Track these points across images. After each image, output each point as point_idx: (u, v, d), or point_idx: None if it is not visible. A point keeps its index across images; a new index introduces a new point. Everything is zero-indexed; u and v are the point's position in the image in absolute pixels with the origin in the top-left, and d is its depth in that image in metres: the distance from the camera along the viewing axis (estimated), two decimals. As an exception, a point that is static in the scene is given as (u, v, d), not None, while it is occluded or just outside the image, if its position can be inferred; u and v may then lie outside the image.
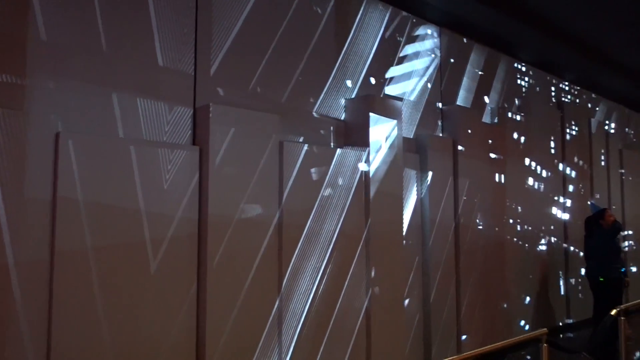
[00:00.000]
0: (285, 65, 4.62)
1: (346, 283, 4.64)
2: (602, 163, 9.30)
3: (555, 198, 8.06)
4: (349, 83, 5.15)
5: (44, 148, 3.13)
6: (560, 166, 8.27)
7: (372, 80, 5.41)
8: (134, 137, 3.62)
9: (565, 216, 8.26)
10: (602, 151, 9.35)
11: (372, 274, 4.80)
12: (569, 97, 9.02)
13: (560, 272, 8.10)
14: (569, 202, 8.34)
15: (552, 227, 7.92)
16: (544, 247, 7.71)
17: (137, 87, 3.67)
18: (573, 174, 8.50)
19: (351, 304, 4.66)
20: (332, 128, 4.96)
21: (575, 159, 8.61)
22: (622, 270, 6.89)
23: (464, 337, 5.91)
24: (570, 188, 8.41)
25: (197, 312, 3.74)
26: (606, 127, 9.90)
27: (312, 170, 4.47)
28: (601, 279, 6.69)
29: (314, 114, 4.81)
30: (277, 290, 4.13)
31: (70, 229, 3.17)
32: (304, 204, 4.39)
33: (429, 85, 6.14)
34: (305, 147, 4.44)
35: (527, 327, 7.13)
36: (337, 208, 4.63)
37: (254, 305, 3.95)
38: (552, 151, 8.12)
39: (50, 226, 3.12)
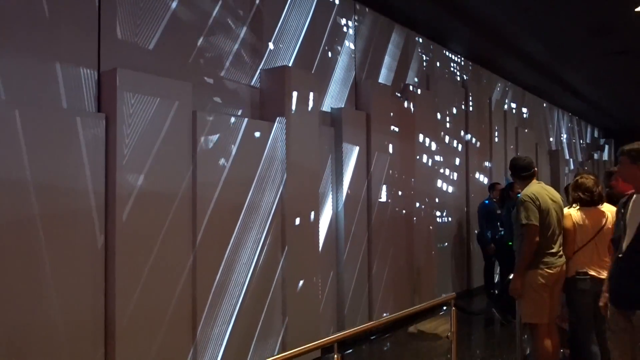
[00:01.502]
0: (199, 28, 4.42)
1: (256, 256, 4.61)
2: (497, 139, 9.92)
3: (459, 172, 8.51)
4: (264, 52, 5.05)
5: None
6: (463, 141, 8.73)
7: (285, 51, 5.33)
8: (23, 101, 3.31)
9: (468, 189, 8.77)
10: (496, 128, 9.95)
11: (286, 249, 4.82)
12: (471, 75, 9.49)
13: (463, 242, 8.62)
14: (471, 175, 8.84)
15: (455, 200, 8.38)
16: (448, 219, 8.15)
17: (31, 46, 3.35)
18: (475, 149, 9.01)
19: (266, 273, 4.66)
20: (246, 99, 4.85)
21: (477, 135, 9.12)
22: None
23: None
24: (473, 162, 8.91)
25: (105, 298, 3.55)
26: (505, 107, 10.58)
27: (224, 141, 4.35)
28: (509, 243, 7.22)
29: (228, 82, 4.66)
30: (185, 263, 4.01)
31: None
32: (216, 176, 4.28)
33: (344, 60, 6.17)
34: (215, 117, 4.30)
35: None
36: (248, 180, 4.56)
37: (162, 280, 3.81)
38: (456, 127, 8.53)
39: None
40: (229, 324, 4.34)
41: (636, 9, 7.09)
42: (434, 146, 7.66)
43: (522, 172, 4.23)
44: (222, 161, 4.32)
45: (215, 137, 4.26)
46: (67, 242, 3.36)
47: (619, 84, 11.78)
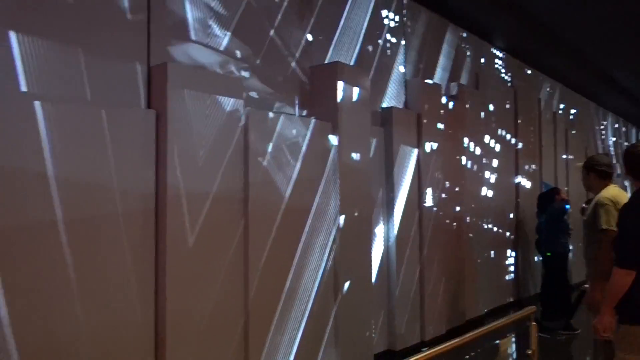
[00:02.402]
0: (255, 23, 4.21)
1: (310, 259, 4.35)
2: (545, 142, 9.46)
3: (508, 175, 8.11)
4: (318, 49, 4.81)
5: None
6: (513, 143, 8.31)
7: (340, 49, 5.08)
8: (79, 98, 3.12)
9: (517, 192, 8.35)
10: (545, 130, 9.49)
11: (341, 252, 4.55)
12: (520, 76, 9.07)
13: (511, 249, 8.19)
14: (521, 180, 8.42)
15: (504, 205, 7.97)
16: (497, 224, 7.74)
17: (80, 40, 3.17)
18: (524, 151, 8.58)
19: (302, 280, 4.39)
20: (296, 96, 4.61)
21: (527, 138, 8.69)
22: (569, 246, 7.09)
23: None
24: (522, 165, 8.49)
25: (155, 300, 3.33)
26: (554, 108, 10.11)
27: (277, 139, 4.11)
28: (548, 254, 6.84)
29: (276, 78, 4.43)
30: (243, 267, 3.77)
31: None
32: (268, 176, 4.04)
33: (392, 58, 5.89)
34: (267, 114, 4.07)
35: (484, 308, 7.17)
36: (305, 181, 4.31)
37: (214, 285, 3.58)
38: (506, 129, 8.14)
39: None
40: (299, 330, 4.11)
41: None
42: (482, 148, 7.29)
43: (606, 170, 3.87)
44: (274, 161, 4.07)
45: (267, 136, 4.03)
46: (117, 244, 3.15)
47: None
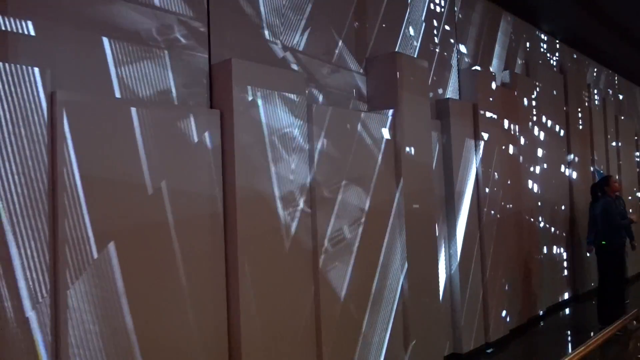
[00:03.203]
0: (313, 15, 4.03)
1: (381, 257, 4.15)
2: (598, 128, 9.07)
3: (561, 165, 7.77)
4: (369, 39, 4.59)
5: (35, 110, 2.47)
6: (563, 132, 7.96)
7: (388, 38, 4.86)
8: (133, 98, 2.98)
9: (571, 184, 8.00)
10: (595, 116, 9.10)
11: (406, 247, 4.34)
12: (569, 62, 8.70)
13: (566, 243, 7.84)
14: (573, 169, 8.06)
15: (558, 195, 7.63)
16: (552, 217, 7.41)
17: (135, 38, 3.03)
18: (575, 140, 8.22)
19: (386, 282, 4.19)
20: (354, 89, 4.41)
21: (577, 126, 8.32)
22: (626, 236, 6.66)
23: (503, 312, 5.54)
24: (574, 155, 8.13)
25: (227, 305, 3.17)
26: (602, 94, 9.70)
27: (341, 136, 3.92)
28: (603, 242, 6.47)
29: (334, 71, 4.23)
30: (312, 267, 3.59)
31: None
32: (335, 173, 3.85)
33: (446, 47, 5.64)
34: (331, 110, 3.88)
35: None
36: (367, 177, 4.11)
37: (286, 290, 3.41)
38: (557, 117, 7.79)
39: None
40: (387, 330, 3.95)
41: None
42: (536, 139, 6.98)
43: None
44: (340, 158, 3.88)
45: (332, 132, 3.84)
46: (189, 248, 3.00)
47: None
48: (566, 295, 7.61)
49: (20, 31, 2.50)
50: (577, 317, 7.25)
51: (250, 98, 3.28)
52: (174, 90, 3.14)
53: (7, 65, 2.35)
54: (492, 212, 5.71)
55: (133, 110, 2.79)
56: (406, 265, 4.33)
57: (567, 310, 7.32)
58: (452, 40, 5.77)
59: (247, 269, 3.18)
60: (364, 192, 4.05)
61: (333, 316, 3.70)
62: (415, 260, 4.41)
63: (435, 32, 5.48)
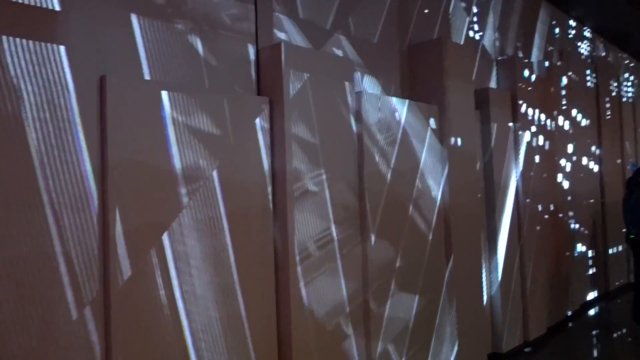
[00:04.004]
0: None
1: (427, 252, 3.97)
2: (628, 120, 8.83)
3: (591, 158, 7.54)
4: (409, 25, 4.39)
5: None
6: (594, 125, 7.72)
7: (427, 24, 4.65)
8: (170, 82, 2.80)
9: (602, 177, 7.78)
10: (625, 108, 8.86)
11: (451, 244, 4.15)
12: (601, 51, 8.46)
13: (598, 240, 7.63)
14: (604, 162, 7.84)
15: (589, 189, 7.41)
16: (585, 212, 7.20)
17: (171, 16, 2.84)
18: (606, 132, 7.98)
19: (431, 276, 4.01)
20: (395, 76, 4.21)
21: (608, 118, 8.09)
22: None
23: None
24: (605, 147, 7.90)
25: (276, 296, 3.01)
26: (631, 86, 9.45)
27: (389, 125, 3.73)
28: (631, 236, 6.24)
29: (375, 57, 4.03)
30: (362, 260, 3.43)
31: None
32: (382, 166, 3.67)
33: (484, 34, 5.43)
34: (379, 98, 3.69)
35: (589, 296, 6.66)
36: (414, 170, 3.92)
37: (342, 277, 3.24)
38: (589, 109, 7.56)
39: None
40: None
41: None
42: (571, 130, 6.76)
43: None
44: (387, 148, 3.70)
45: (380, 122, 3.65)
46: (242, 240, 2.83)
47: None
48: (597, 293, 7.41)
49: (44, 5, 2.28)
50: (609, 314, 7.05)
51: (300, 84, 3.09)
52: (218, 76, 2.95)
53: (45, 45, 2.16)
54: (532, 207, 5.52)
55: (164, 94, 2.61)
56: (451, 262, 4.15)
57: (598, 308, 7.12)
58: (491, 29, 5.56)
59: (298, 260, 3.01)
60: (409, 186, 3.86)
61: (380, 311, 3.53)
62: (459, 257, 4.23)
63: (475, 18, 5.27)
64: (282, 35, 3.31)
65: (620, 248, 8.02)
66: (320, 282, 3.13)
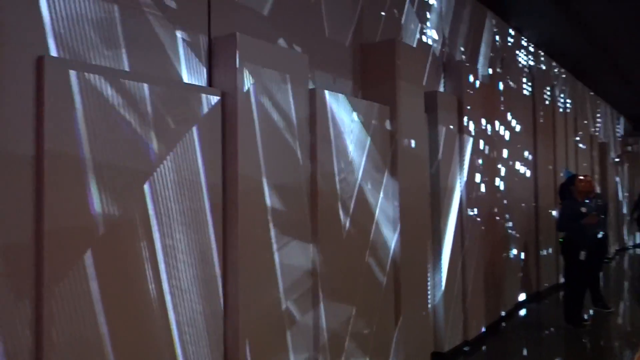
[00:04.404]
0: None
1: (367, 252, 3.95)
2: (560, 129, 9.26)
3: (527, 164, 7.84)
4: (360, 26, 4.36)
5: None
6: (529, 132, 8.04)
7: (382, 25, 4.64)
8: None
9: (536, 182, 8.12)
10: (558, 118, 9.30)
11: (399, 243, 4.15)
12: (536, 61, 8.82)
13: (528, 242, 7.95)
14: (539, 168, 8.18)
15: (525, 193, 7.72)
16: (520, 215, 7.47)
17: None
18: (540, 140, 8.34)
19: (375, 280, 3.99)
20: (349, 75, 4.16)
21: (543, 126, 8.45)
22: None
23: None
24: (540, 154, 8.25)
25: (224, 295, 2.87)
26: (563, 95, 9.94)
27: (343, 126, 3.67)
28: (560, 240, 6.55)
29: (329, 56, 3.97)
30: (310, 261, 3.34)
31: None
32: (333, 164, 3.60)
33: (431, 38, 5.49)
34: (336, 96, 3.62)
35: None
36: (365, 169, 3.88)
37: (289, 277, 3.14)
38: (526, 117, 7.86)
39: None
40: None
41: None
42: (510, 136, 7.00)
43: None
44: (342, 148, 3.64)
45: (334, 121, 3.58)
46: (185, 240, 2.67)
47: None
48: (529, 293, 7.68)
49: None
50: (540, 313, 7.37)
51: (255, 78, 2.97)
52: (167, 66, 2.78)
53: None
54: (475, 210, 5.64)
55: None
56: (399, 262, 4.15)
57: (530, 308, 7.41)
58: (441, 34, 5.63)
59: (244, 265, 2.88)
60: (363, 186, 3.82)
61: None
62: (407, 261, 4.24)
63: (427, 24, 5.32)
64: (235, 26, 3.17)
65: (550, 250, 8.39)
66: (270, 284, 3.02)
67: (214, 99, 2.86)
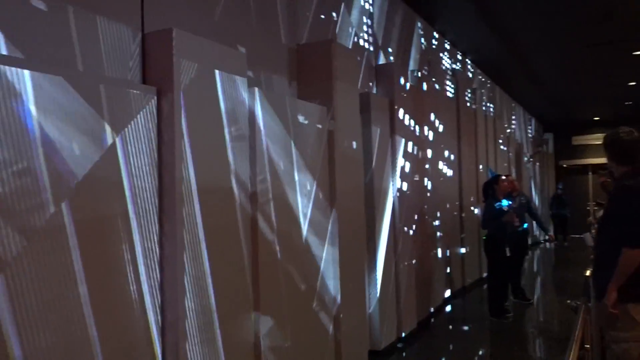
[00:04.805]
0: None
1: (314, 253, 3.92)
2: (481, 129, 9.71)
3: (452, 164, 8.14)
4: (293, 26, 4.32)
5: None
6: (454, 133, 8.36)
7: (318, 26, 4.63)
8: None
9: (461, 181, 8.45)
10: (478, 119, 9.75)
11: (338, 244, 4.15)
12: (459, 65, 9.18)
13: (457, 237, 8.27)
14: (463, 168, 8.52)
15: (450, 192, 8.00)
16: (446, 213, 7.74)
17: (69, -8, 2.46)
18: (464, 140, 8.69)
19: (316, 283, 3.96)
20: (284, 76, 4.11)
21: (466, 127, 8.81)
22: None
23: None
24: (463, 155, 8.59)
25: (161, 302, 2.72)
26: (483, 97, 10.42)
27: (283, 126, 3.61)
28: (484, 237, 6.85)
29: (265, 55, 3.90)
30: (249, 270, 3.25)
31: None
32: (275, 167, 3.54)
33: (364, 41, 5.56)
34: (273, 96, 3.56)
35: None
36: (305, 170, 3.85)
37: (228, 282, 3.04)
38: (451, 118, 8.17)
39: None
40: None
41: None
42: (437, 137, 7.24)
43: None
44: (280, 149, 3.57)
45: (273, 119, 3.51)
46: (118, 247, 2.51)
47: (584, 75, 11.96)
48: (453, 290, 7.95)
49: None
50: (466, 308, 7.67)
51: (192, 76, 2.85)
52: (94, 60, 2.60)
53: None
54: (407, 211, 5.76)
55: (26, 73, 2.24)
56: (338, 262, 4.15)
57: (457, 303, 7.70)
58: (372, 37, 5.71)
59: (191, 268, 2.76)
60: (301, 188, 3.78)
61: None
62: (345, 263, 4.24)
63: (363, 27, 5.37)
64: (170, 22, 3.02)
65: (474, 247, 8.76)
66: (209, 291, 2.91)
67: (149, 97, 2.71)
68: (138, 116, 2.64)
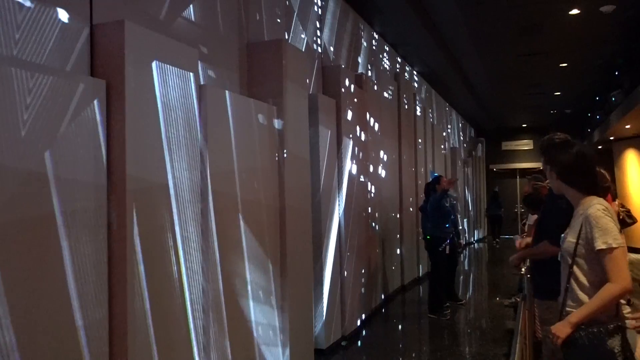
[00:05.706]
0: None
1: (261, 250, 3.91)
2: (421, 134, 10.02)
3: (393, 166, 8.34)
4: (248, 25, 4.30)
5: None
6: (395, 135, 8.57)
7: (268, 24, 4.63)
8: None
9: (401, 183, 8.67)
10: (418, 123, 10.05)
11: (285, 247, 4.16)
12: (401, 70, 9.42)
13: (396, 236, 8.48)
14: (403, 170, 8.74)
15: (391, 193, 8.20)
16: (388, 213, 7.93)
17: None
18: (404, 143, 8.93)
19: (261, 282, 3.96)
20: (235, 74, 4.08)
21: (406, 129, 9.05)
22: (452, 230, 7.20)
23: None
24: (403, 157, 8.82)
25: (110, 301, 2.64)
26: (424, 104, 10.73)
27: (233, 124, 3.59)
28: (427, 237, 7.08)
29: (215, 53, 3.85)
30: (201, 270, 3.21)
31: None
32: (228, 165, 3.51)
33: (312, 42, 5.60)
34: (227, 94, 3.53)
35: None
36: (255, 171, 3.83)
37: (175, 281, 2.99)
38: (392, 122, 8.36)
39: None
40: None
41: (570, 12, 7.49)
42: (378, 139, 7.40)
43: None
44: (231, 147, 3.54)
45: (224, 118, 3.48)
46: (57, 247, 2.41)
47: (514, 83, 12.60)
48: (394, 288, 8.17)
49: None
50: (406, 305, 7.89)
51: (143, 71, 2.77)
52: (38, 52, 2.48)
53: None
54: (353, 212, 5.86)
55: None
56: (285, 262, 4.16)
57: (396, 300, 7.90)
58: (320, 39, 5.76)
59: (136, 270, 2.68)
60: (251, 188, 3.77)
61: (218, 306, 3.36)
62: (292, 264, 4.26)
63: (312, 29, 5.40)
64: (121, 15, 2.93)
65: (412, 246, 9.02)
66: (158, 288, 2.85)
67: (98, 90, 2.61)
68: (88, 110, 2.54)
